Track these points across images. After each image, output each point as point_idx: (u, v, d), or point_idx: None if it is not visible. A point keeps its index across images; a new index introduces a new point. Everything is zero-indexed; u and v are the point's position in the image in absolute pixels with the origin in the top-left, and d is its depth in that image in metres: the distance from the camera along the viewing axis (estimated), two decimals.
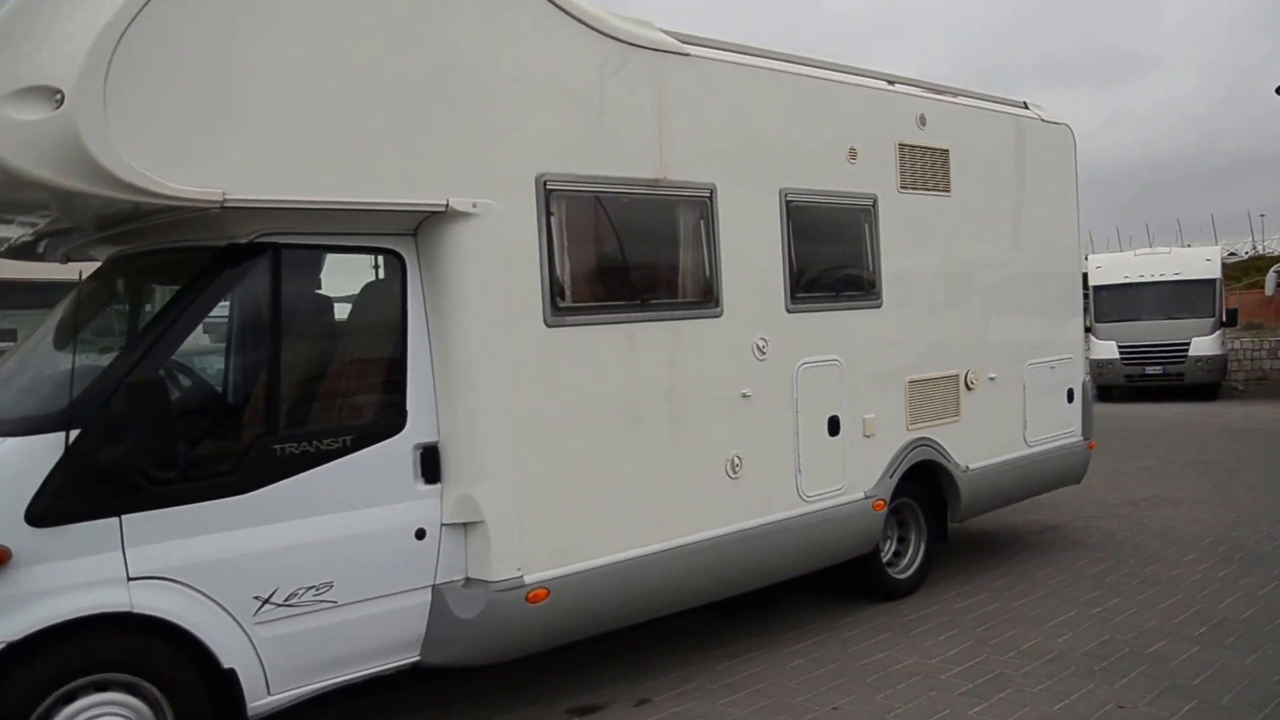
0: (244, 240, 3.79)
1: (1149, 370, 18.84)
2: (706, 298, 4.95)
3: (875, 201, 5.83)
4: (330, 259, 4.10)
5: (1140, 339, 18.91)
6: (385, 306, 4.15)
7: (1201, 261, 19.35)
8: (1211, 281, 18.89)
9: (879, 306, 5.86)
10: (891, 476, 5.92)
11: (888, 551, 6.38)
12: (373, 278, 4.24)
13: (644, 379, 4.66)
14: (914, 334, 6.10)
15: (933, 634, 5.55)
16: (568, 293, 4.41)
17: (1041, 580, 6.58)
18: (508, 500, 4.18)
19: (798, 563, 5.47)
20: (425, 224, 4.10)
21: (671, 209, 4.85)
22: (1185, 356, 18.40)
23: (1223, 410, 16.79)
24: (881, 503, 5.83)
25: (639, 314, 4.65)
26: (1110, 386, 19.58)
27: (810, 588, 6.31)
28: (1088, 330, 20.14)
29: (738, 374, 5.07)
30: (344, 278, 4.21)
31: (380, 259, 4.19)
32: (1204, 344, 18.37)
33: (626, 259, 4.72)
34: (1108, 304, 19.71)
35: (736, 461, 5.04)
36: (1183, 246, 24.89)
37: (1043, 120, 7.27)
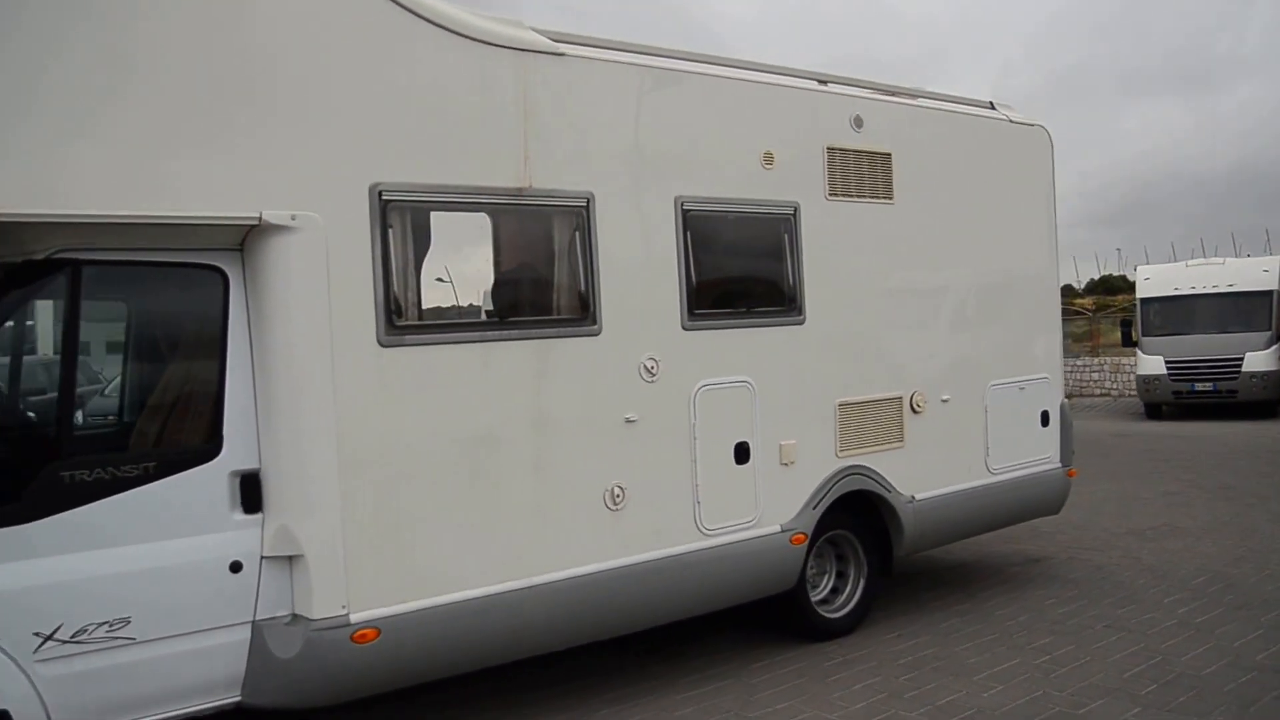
0: (40, 256, 3.58)
1: (1198, 386, 17.72)
2: (582, 315, 4.58)
3: (797, 210, 5.39)
4: (146, 275, 3.85)
5: (1189, 354, 17.81)
6: (204, 325, 3.89)
7: (1258, 272, 18.16)
8: (1269, 293, 17.70)
9: (801, 323, 5.41)
10: (815, 508, 5.45)
11: (824, 588, 5.91)
12: (193, 295, 3.99)
13: (502, 403, 4.32)
14: (845, 353, 5.62)
15: (849, 682, 5.07)
16: (408, 310, 4.09)
17: (997, 621, 6.02)
18: (331, 533, 3.88)
19: (700, 601, 5.05)
20: (250, 238, 3.84)
21: (539, 219, 4.51)
22: (1239, 372, 17.25)
23: (1275, 430, 15.66)
24: (802, 536, 5.37)
25: (495, 332, 4.31)
26: (1158, 404, 18.51)
27: (749, 621, 5.88)
28: (1134, 344, 19.11)
29: (620, 397, 4.69)
30: (166, 294, 3.97)
31: (202, 275, 3.94)
32: (1259, 359, 17.20)
33: (480, 273, 4.39)
34: (1156, 317, 18.65)
35: (618, 492, 4.66)
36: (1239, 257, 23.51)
37: (1011, 121, 6.71)
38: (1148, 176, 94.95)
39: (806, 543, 5.39)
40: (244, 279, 3.89)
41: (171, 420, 3.84)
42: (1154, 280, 19.07)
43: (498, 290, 4.40)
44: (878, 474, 5.77)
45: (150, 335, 4.06)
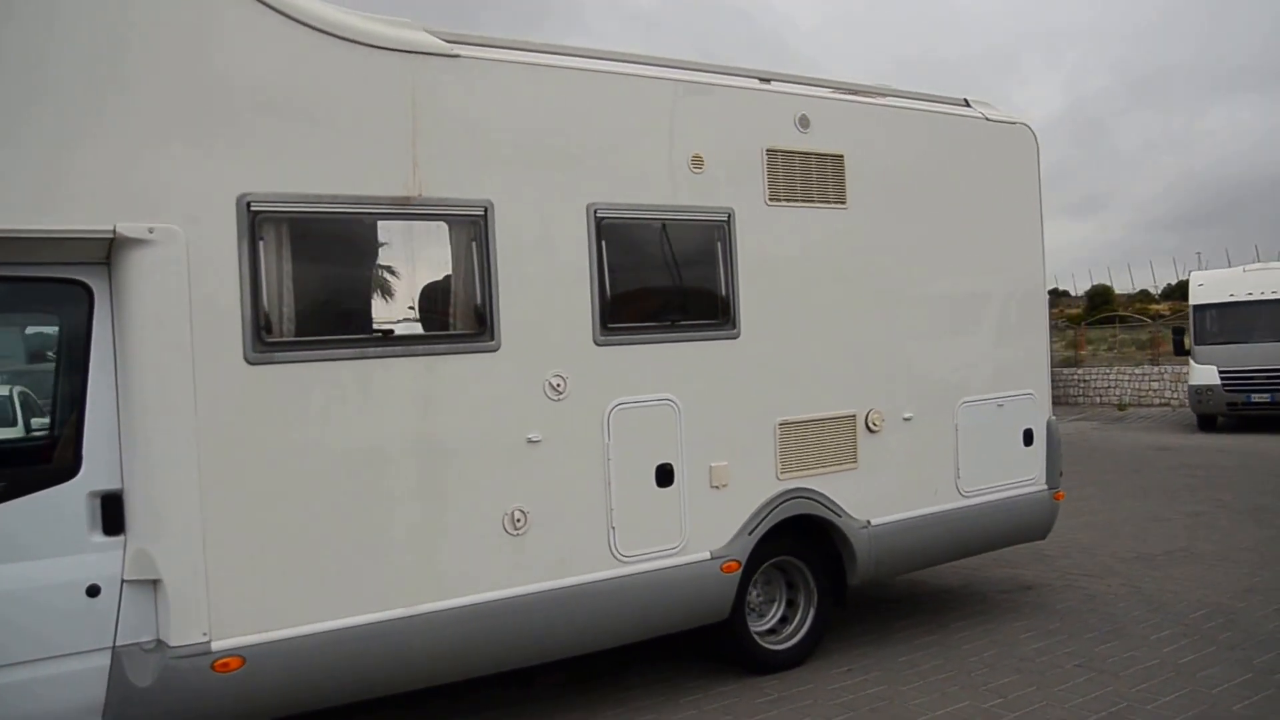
0: None
1: (1255, 398, 16.74)
2: (478, 330, 4.35)
3: (730, 216, 5.08)
4: (6, 290, 3.75)
5: (1246, 363, 16.84)
6: (67, 341, 3.78)
7: None
8: None
9: (735, 337, 5.10)
10: (751, 534, 5.13)
11: (772, 617, 5.57)
12: (57, 310, 3.88)
13: (385, 423, 4.11)
14: (787, 368, 5.29)
15: None
16: (279, 327, 3.91)
17: (961, 656, 5.61)
18: (190, 557, 3.72)
19: (617, 632, 4.77)
20: (113, 252, 3.71)
21: (430, 230, 4.30)
22: None
23: None
24: (734, 564, 5.05)
25: (377, 349, 4.10)
26: (1211, 415, 17.56)
27: (692, 651, 5.59)
28: (1186, 353, 18.15)
29: (522, 416, 4.45)
30: (28, 309, 3.87)
31: (66, 290, 3.81)
32: None
33: (361, 287, 4.20)
34: (1210, 325, 17.69)
35: (519, 516, 4.42)
36: None
37: (987, 119, 6.29)
38: (1235, 178, 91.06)
39: (740, 571, 5.07)
40: (110, 294, 3.76)
41: (29, 438, 3.72)
42: (1208, 286, 18.09)
43: (381, 305, 4.20)
44: (826, 497, 5.41)
45: (11, 351, 3.96)
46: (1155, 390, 24.38)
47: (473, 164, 4.32)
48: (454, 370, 4.28)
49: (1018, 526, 6.43)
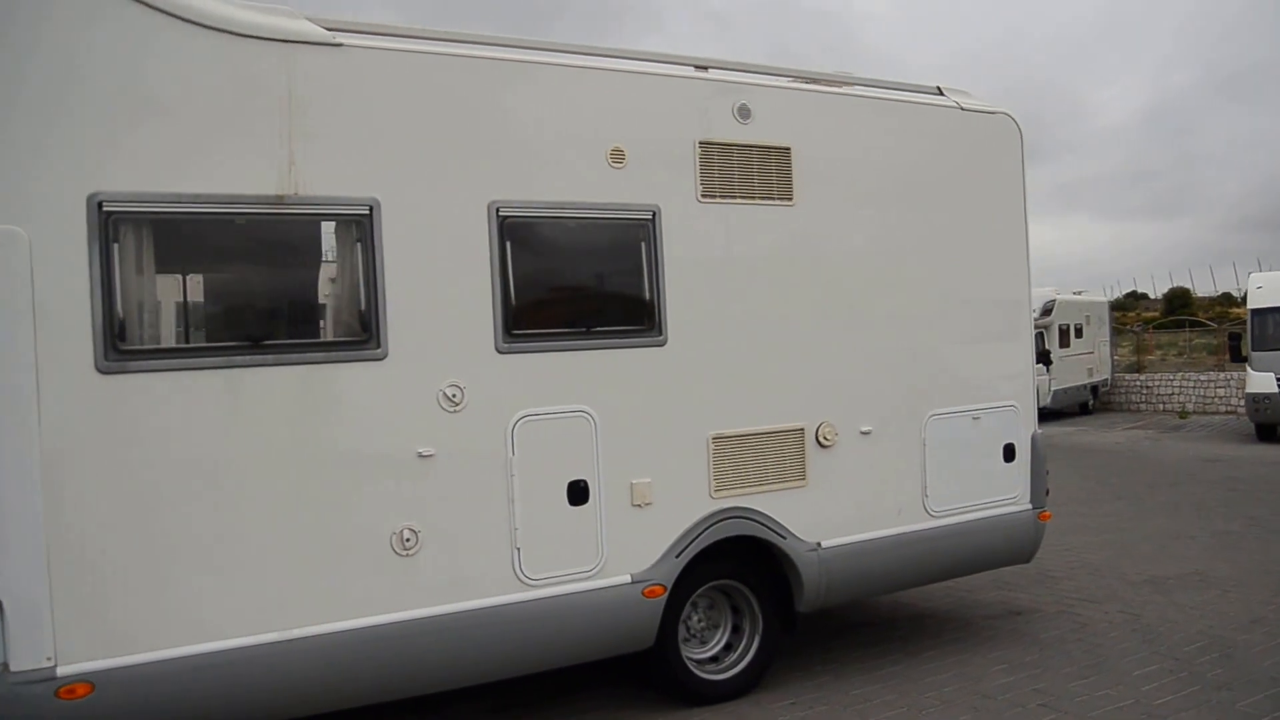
0: None
1: None
2: (362, 337, 4.08)
3: (656, 214, 4.73)
4: None
5: None
6: None
7: None
8: None
9: (661, 345, 4.74)
10: (679, 556, 4.77)
11: (716, 644, 5.20)
12: None
13: (256, 436, 3.86)
14: (722, 378, 4.91)
15: None
16: (135, 334, 3.69)
17: (917, 691, 5.16)
18: (32, 577, 3.51)
19: (524, 659, 4.45)
20: None
21: (307, 231, 4.04)
22: None
23: None
24: (658, 588, 4.69)
25: (246, 358, 3.85)
26: (1270, 424, 16.53)
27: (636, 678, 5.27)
28: (1243, 359, 17.13)
29: (412, 429, 4.16)
30: None
31: None
32: None
33: (229, 292, 3.96)
34: (1270, 329, 16.65)
35: (409, 535, 4.13)
36: None
37: (961, 109, 5.81)
38: None
39: (665, 596, 4.71)
40: None
41: None
42: (1266, 289, 17.05)
43: (251, 311, 3.95)
44: (768, 518, 5.02)
45: None
46: (1221, 397, 23.19)
47: (357, 160, 4.05)
48: (334, 380, 4.01)
49: (997, 549, 5.94)
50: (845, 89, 5.42)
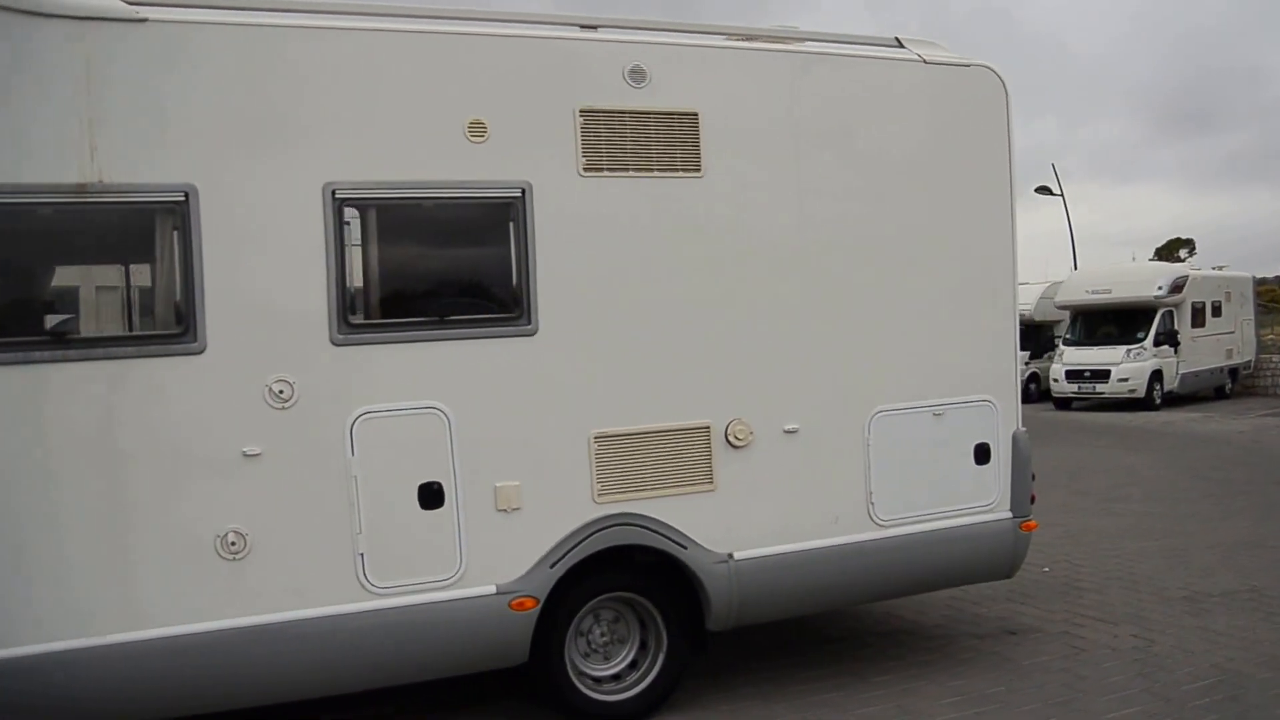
0: None
1: None
2: (177, 330, 3.85)
3: (526, 192, 4.29)
4: None
5: None
6: None
7: None
8: None
9: (530, 334, 4.32)
10: (554, 565, 4.35)
11: (621, 660, 4.77)
12: None
13: (61, 435, 3.68)
14: (606, 371, 4.44)
15: None
16: None
17: None
18: None
19: (375, 671, 4.16)
20: None
21: (115, 220, 3.82)
22: None
23: None
24: (529, 600, 4.29)
25: (48, 353, 3.66)
26: None
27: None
28: None
29: (236, 427, 3.91)
30: None
31: None
32: None
33: (32, 286, 3.79)
34: None
35: (234, 539, 3.90)
36: None
37: (925, 62, 5.06)
38: None
39: (536, 609, 4.32)
40: None
41: None
42: None
43: (51, 305, 3.78)
44: (664, 525, 4.53)
45: None
46: None
47: (168, 144, 3.80)
48: (147, 376, 3.80)
49: (966, 563, 5.23)
50: (766, 45, 4.80)
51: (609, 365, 4.45)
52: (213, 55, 3.88)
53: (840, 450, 4.89)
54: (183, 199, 3.83)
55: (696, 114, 4.58)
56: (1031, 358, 23.03)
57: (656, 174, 4.52)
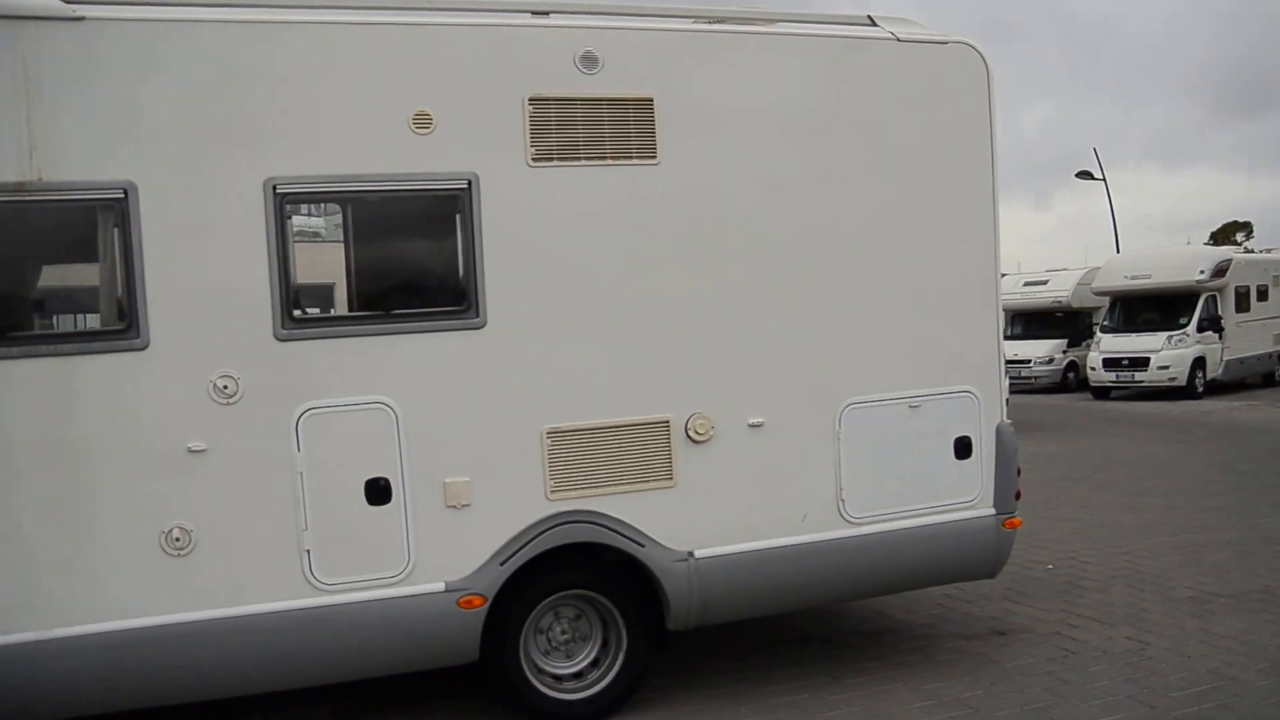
0: None
1: None
2: (120, 327, 3.85)
3: (473, 183, 4.21)
4: None
5: None
6: None
7: None
8: None
9: (479, 328, 4.25)
10: (505, 564, 4.29)
11: (582, 659, 4.69)
12: None
13: (5, 432, 3.72)
14: (559, 365, 4.35)
15: None
16: None
17: None
18: None
19: (322, 668, 4.14)
20: None
21: (56, 218, 3.83)
22: None
23: None
24: (478, 598, 4.24)
25: None
26: None
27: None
28: None
29: (180, 423, 3.90)
30: None
31: None
32: None
33: None
34: None
35: (179, 535, 3.90)
36: None
37: (898, 40, 4.88)
38: None
39: (485, 607, 4.26)
40: None
41: None
42: None
43: None
44: (620, 522, 4.44)
45: None
46: None
47: (108, 141, 3.79)
48: (91, 372, 3.81)
49: (944, 561, 5.05)
50: (728, 27, 4.66)
51: (562, 359, 4.37)
52: (151, 52, 3.86)
53: (809, 445, 4.76)
54: (122, 196, 3.82)
55: (651, 99, 4.46)
56: (1070, 345, 22.49)
57: (610, 162, 4.42)
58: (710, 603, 4.60)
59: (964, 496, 5.03)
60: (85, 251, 3.92)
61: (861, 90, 4.80)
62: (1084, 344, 21.71)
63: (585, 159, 4.38)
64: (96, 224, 3.87)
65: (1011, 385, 22.34)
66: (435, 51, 4.19)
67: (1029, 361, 22.25)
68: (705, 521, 4.58)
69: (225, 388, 3.95)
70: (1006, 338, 27.17)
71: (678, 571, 4.52)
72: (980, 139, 5.02)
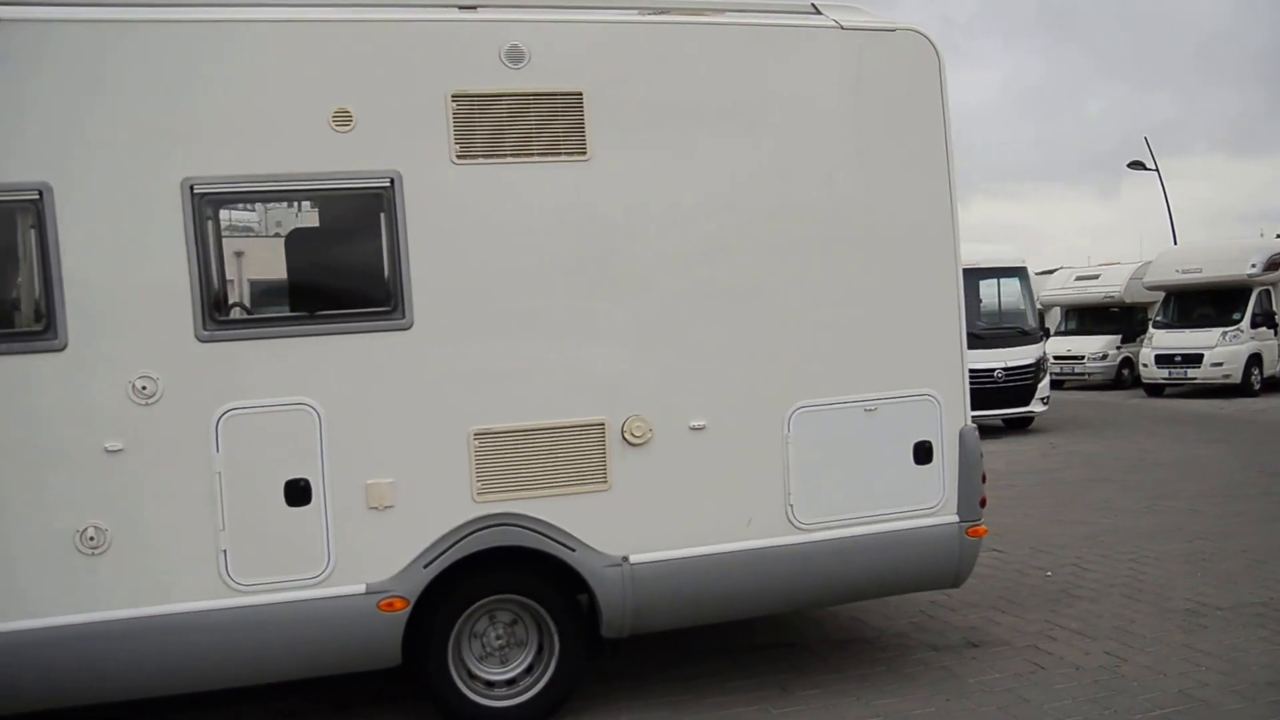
0: None
1: None
2: (37, 329, 3.87)
3: (396, 181, 4.14)
4: None
5: None
6: None
7: None
8: None
9: (405, 328, 4.18)
10: (429, 566, 4.23)
11: (517, 665, 4.60)
12: None
13: None
14: (487, 365, 4.26)
15: None
16: None
17: None
18: None
19: (240, 669, 4.12)
20: None
21: None
22: None
23: None
24: (399, 601, 4.18)
25: None
26: None
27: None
28: None
29: (98, 422, 3.91)
30: None
31: None
32: None
33: None
34: None
35: (94, 534, 3.91)
36: None
37: (841, 28, 4.67)
38: None
39: (407, 610, 4.20)
40: None
41: None
42: None
43: None
44: (549, 526, 4.34)
45: None
46: None
47: (18, 144, 3.82)
48: (8, 373, 3.85)
49: (902, 570, 4.85)
50: (663, 18, 4.50)
51: (491, 360, 4.29)
52: (64, 53, 3.87)
53: (755, 448, 4.60)
54: (37, 197, 3.84)
55: (580, 94, 4.34)
56: (1124, 341, 21.70)
57: (538, 159, 4.31)
58: (646, 609, 4.48)
59: (924, 503, 4.82)
60: (2, 253, 3.95)
61: (804, 80, 4.62)
62: (1138, 340, 20.91)
63: (512, 156, 4.28)
64: (14, 225, 3.90)
65: (1065, 382, 21.82)
66: (354, 48, 4.13)
67: (1082, 358, 21.54)
68: (642, 526, 4.46)
69: (144, 388, 3.96)
70: (1059, 333, 26.46)
71: (610, 576, 4.41)
72: (933, 128, 4.79)
